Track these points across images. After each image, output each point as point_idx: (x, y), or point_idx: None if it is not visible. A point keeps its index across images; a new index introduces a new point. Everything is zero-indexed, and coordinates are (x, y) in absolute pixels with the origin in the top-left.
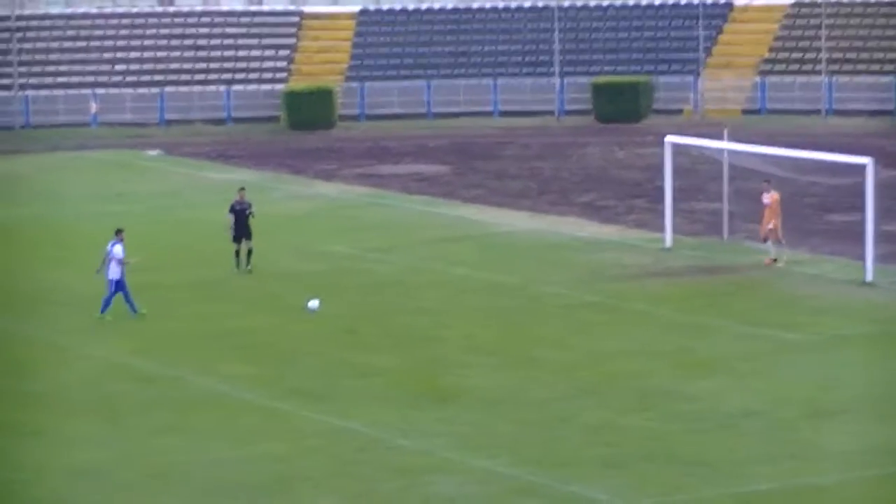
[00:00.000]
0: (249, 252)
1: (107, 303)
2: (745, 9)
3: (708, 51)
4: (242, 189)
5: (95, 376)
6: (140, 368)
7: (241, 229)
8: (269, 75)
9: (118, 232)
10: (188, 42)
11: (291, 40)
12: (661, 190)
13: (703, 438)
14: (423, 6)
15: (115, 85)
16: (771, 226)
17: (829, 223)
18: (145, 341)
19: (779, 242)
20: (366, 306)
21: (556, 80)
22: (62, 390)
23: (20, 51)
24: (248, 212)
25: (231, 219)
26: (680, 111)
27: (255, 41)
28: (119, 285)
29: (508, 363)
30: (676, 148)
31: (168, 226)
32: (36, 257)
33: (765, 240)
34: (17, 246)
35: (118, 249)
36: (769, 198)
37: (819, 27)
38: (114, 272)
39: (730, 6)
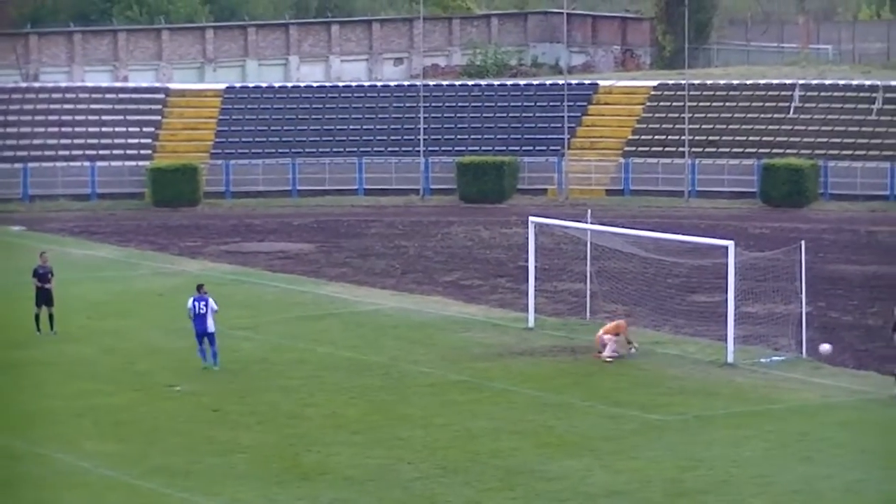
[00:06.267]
0: (51, 317)
1: (203, 352)
2: (610, 90)
3: (572, 131)
4: (44, 253)
5: None
6: (5, 446)
7: (44, 294)
8: (133, 152)
9: (200, 287)
10: (52, 118)
11: (157, 117)
12: (524, 270)
13: None
14: (290, 84)
15: None
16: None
17: (691, 304)
18: (8, 419)
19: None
20: (230, 384)
21: (421, 160)
22: None
23: None
24: (49, 276)
25: (35, 283)
26: (544, 191)
27: (120, 117)
28: (209, 336)
29: (373, 441)
30: (540, 228)
31: (33, 301)
32: None
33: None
34: None
35: (212, 302)
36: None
37: (682, 109)
38: (211, 325)
39: (594, 87)
